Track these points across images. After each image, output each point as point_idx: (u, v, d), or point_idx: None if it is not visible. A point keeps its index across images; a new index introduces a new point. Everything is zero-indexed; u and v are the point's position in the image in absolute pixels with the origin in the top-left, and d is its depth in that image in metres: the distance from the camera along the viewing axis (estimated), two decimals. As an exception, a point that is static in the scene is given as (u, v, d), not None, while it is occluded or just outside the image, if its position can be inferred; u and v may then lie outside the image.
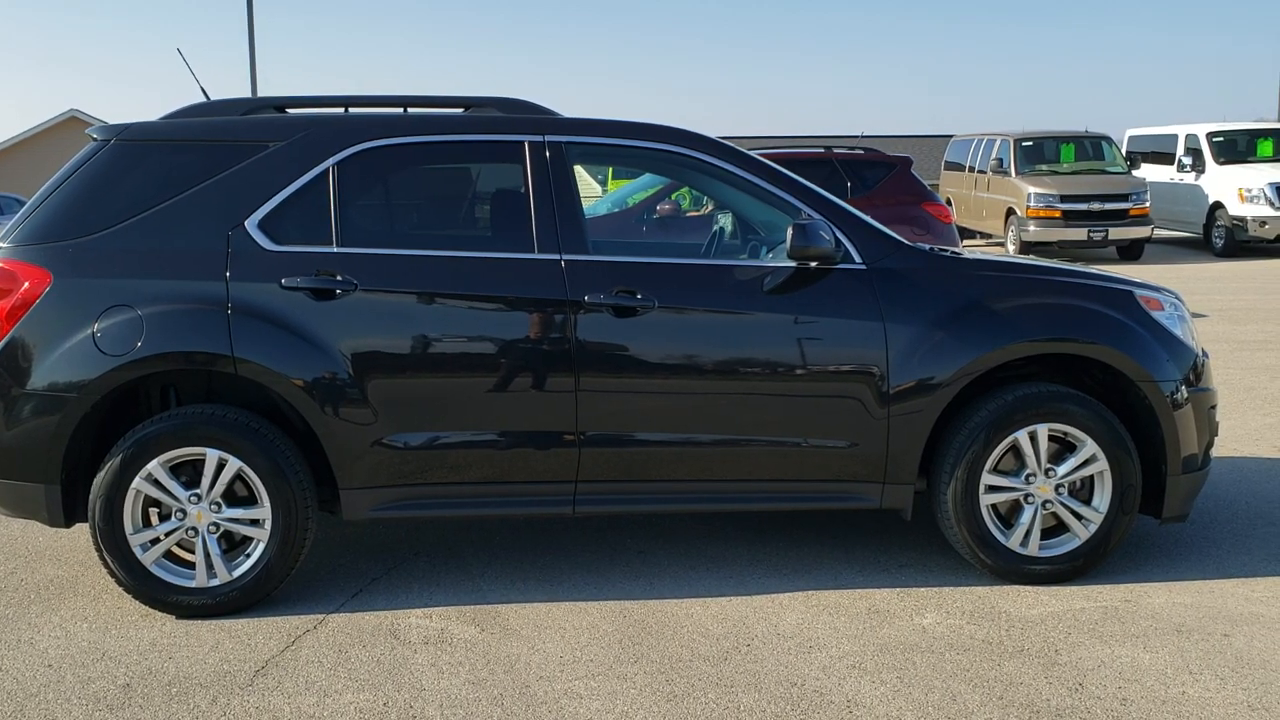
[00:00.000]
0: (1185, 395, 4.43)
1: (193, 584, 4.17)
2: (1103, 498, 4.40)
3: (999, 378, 4.53)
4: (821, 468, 4.35)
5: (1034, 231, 17.92)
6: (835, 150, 11.52)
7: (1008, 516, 4.43)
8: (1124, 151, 20.50)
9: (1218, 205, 18.59)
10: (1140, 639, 3.91)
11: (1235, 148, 19.40)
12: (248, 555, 4.20)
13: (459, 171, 4.91)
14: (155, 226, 4.21)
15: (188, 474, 4.16)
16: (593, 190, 14.87)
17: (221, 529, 4.17)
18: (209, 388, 4.45)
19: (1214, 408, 4.63)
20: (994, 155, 19.52)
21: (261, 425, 4.16)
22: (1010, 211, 18.58)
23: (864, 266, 4.39)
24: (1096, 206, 17.87)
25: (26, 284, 4.12)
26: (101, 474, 4.10)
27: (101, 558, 4.14)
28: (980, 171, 20.06)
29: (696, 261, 4.70)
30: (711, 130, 4.64)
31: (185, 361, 4.11)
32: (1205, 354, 4.69)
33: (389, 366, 4.18)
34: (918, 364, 4.29)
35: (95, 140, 4.37)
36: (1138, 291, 4.58)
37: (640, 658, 3.82)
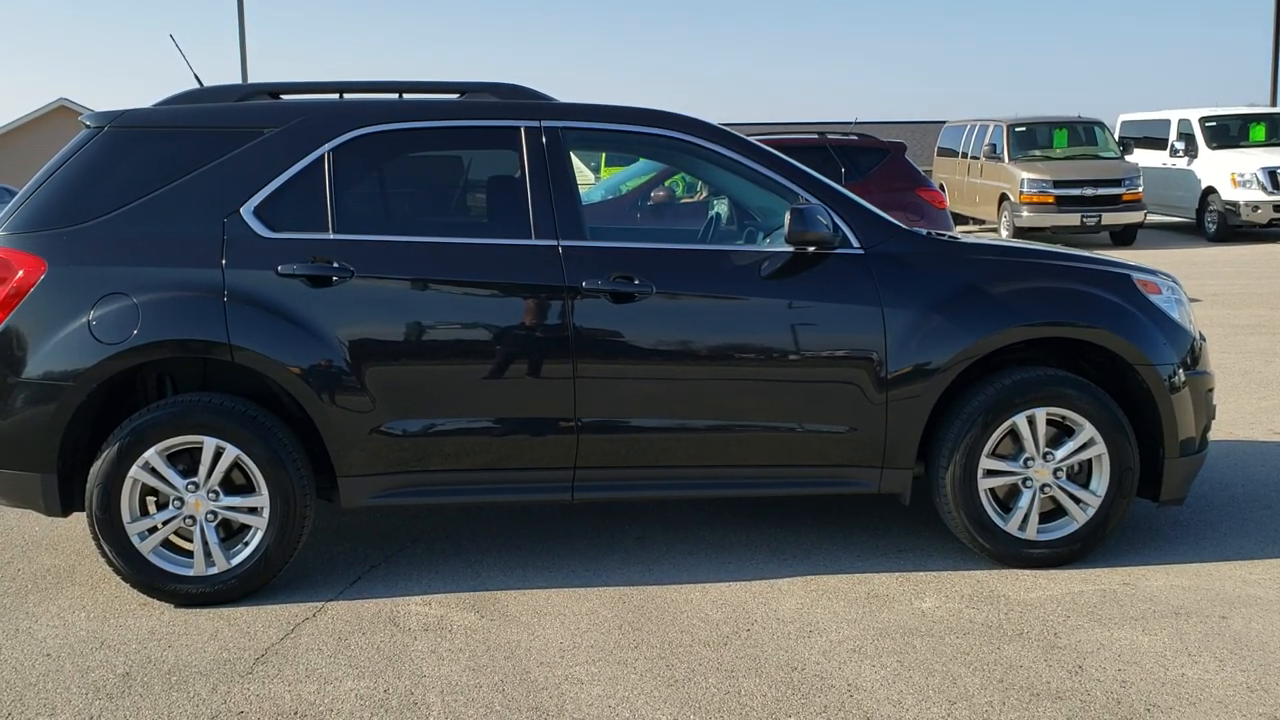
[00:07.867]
0: (1182, 379, 4.44)
1: (191, 572, 4.16)
2: (1101, 481, 4.40)
3: (997, 362, 4.53)
4: (820, 453, 4.35)
5: (1027, 217, 17.92)
6: (829, 136, 11.52)
7: (1006, 500, 4.43)
8: (1117, 137, 20.50)
9: (1210, 190, 18.59)
10: (1139, 621, 3.92)
11: (1228, 132, 19.40)
12: (246, 543, 4.19)
13: (455, 157, 4.89)
14: (150, 214, 4.19)
15: (185, 462, 4.14)
16: (586, 177, 14.85)
17: (219, 517, 4.16)
18: (205, 376, 4.43)
19: (1211, 391, 4.64)
20: (987, 141, 19.51)
21: (259, 413, 4.15)
22: (1003, 197, 18.57)
23: (861, 251, 4.38)
24: (1089, 192, 17.86)
25: (21, 272, 4.10)
26: (98, 463, 4.08)
27: (99, 547, 4.12)
28: (973, 157, 20.05)
29: (694, 247, 4.68)
30: (706, 117, 4.62)
31: (181, 349, 4.10)
32: (1202, 337, 4.69)
33: (386, 353, 4.17)
34: (916, 348, 4.29)
35: (89, 127, 4.33)
36: (1135, 275, 4.58)
37: (640, 643, 3.82)
